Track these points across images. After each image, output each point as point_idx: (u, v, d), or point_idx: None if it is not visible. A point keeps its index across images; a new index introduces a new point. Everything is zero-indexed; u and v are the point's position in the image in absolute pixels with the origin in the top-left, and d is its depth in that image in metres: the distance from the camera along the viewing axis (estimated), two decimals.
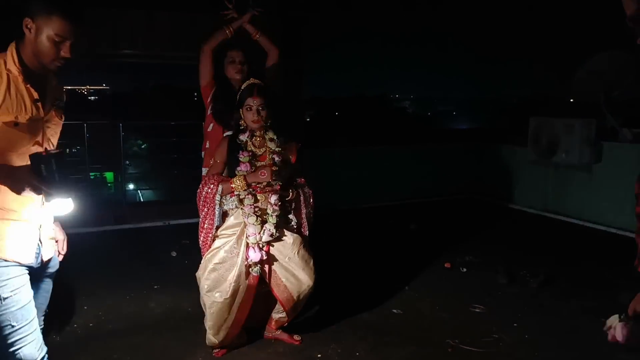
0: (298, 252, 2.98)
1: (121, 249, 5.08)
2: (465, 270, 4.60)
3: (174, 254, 4.91)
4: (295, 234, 3.01)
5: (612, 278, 4.34)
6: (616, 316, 1.90)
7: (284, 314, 3.12)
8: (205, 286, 2.89)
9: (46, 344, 2.02)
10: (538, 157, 6.60)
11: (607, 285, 4.18)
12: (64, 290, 3.97)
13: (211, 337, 3.01)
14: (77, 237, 5.39)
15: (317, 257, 4.76)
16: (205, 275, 2.89)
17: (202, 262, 2.95)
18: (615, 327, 1.87)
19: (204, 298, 2.94)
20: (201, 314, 3.39)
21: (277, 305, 3.12)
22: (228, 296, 2.86)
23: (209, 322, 2.97)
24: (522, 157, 6.94)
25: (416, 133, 7.83)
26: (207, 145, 3.47)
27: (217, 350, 3.09)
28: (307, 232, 3.13)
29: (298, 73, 5.23)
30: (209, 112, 3.40)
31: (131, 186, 23.61)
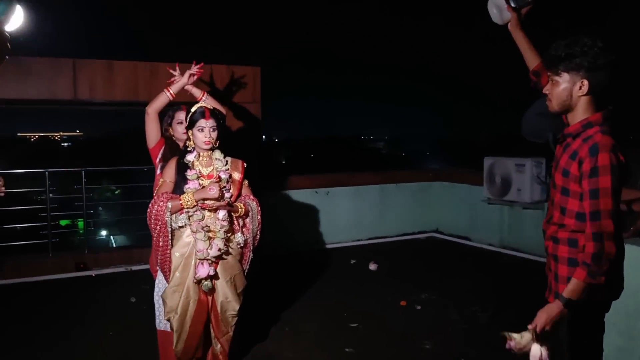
0: (232, 279, 3.09)
1: (80, 296, 5.07)
2: (419, 307, 4.71)
3: (132, 299, 4.93)
4: (236, 261, 3.11)
5: None
6: (527, 335, 2.04)
7: (219, 345, 3.19)
8: (167, 306, 3.02)
9: None
10: (493, 195, 6.82)
11: None
12: (19, 341, 3.99)
13: (176, 348, 3.09)
14: (36, 285, 5.46)
15: (273, 296, 4.86)
16: (168, 297, 3.01)
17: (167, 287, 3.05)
18: (541, 352, 2.01)
19: (166, 315, 3.06)
20: (156, 359, 3.45)
21: (213, 339, 3.19)
22: (180, 311, 2.98)
23: (174, 335, 3.06)
24: (479, 196, 7.14)
25: (383, 173, 7.97)
26: None
27: None
28: (252, 249, 3.22)
29: (255, 119, 5.41)
30: (158, 171, 3.43)
31: (103, 232, 23.39)
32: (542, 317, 2.02)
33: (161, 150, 3.47)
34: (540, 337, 2.01)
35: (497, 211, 7.06)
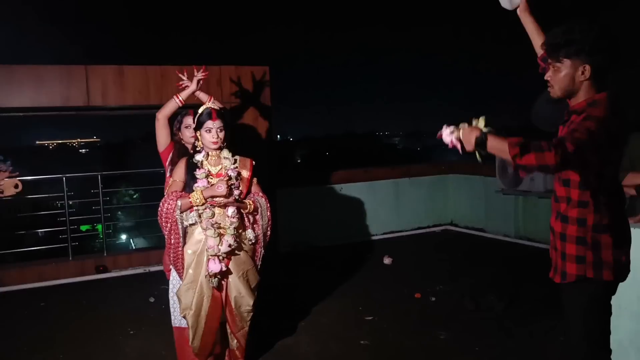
0: (245, 275, 3.15)
1: (100, 297, 5.18)
2: (434, 299, 4.73)
3: (151, 299, 5.02)
4: (248, 257, 3.18)
5: None
6: (466, 125, 2.04)
7: (235, 341, 3.27)
8: (182, 303, 3.10)
9: None
10: (506, 186, 6.80)
11: None
12: (43, 342, 4.10)
13: (192, 344, 3.16)
14: (58, 288, 5.59)
15: (290, 291, 4.93)
16: (182, 294, 3.09)
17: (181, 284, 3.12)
18: (451, 132, 2.06)
19: (181, 312, 3.14)
20: (174, 357, 3.53)
21: (230, 335, 3.26)
22: (194, 308, 3.06)
23: (190, 331, 3.14)
24: (493, 187, 7.12)
25: (397, 167, 7.98)
26: None
27: None
28: (263, 245, 3.29)
29: (266, 118, 5.46)
30: (168, 174, 3.51)
31: (123, 236, 23.65)
32: (466, 137, 2.00)
33: (170, 154, 3.55)
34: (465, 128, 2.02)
35: (512, 202, 7.03)
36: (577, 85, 2.09)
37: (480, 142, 1.93)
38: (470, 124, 2.02)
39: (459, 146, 2.02)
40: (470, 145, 1.97)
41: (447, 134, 2.05)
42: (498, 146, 1.88)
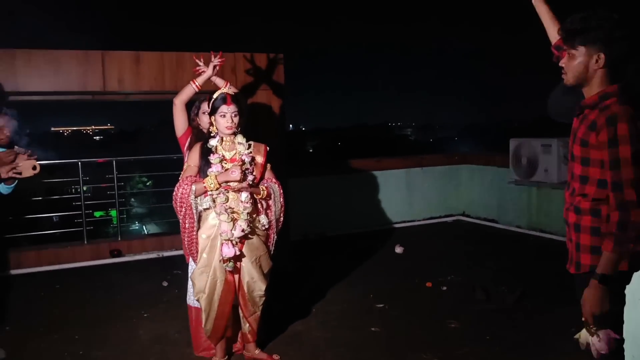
0: (258, 260, 3.19)
1: (115, 280, 5.24)
2: (445, 288, 4.74)
3: (165, 284, 5.08)
4: (261, 242, 3.22)
5: None
6: (584, 331, 2.05)
7: (247, 325, 3.32)
8: (196, 286, 3.15)
9: None
10: (520, 177, 6.78)
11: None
12: (59, 323, 4.17)
13: (205, 327, 3.22)
14: (74, 271, 5.67)
15: (302, 278, 4.97)
16: (196, 278, 3.14)
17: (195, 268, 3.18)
18: (594, 343, 2.02)
19: (195, 295, 3.19)
20: (187, 340, 3.58)
21: (242, 319, 3.30)
22: (207, 291, 3.11)
23: (202, 314, 3.19)
24: (506, 178, 7.10)
25: (409, 157, 7.97)
26: None
27: None
28: (275, 232, 3.32)
29: (280, 106, 5.48)
30: (186, 159, 3.56)
31: (136, 223, 23.84)
32: (585, 305, 2.02)
33: (188, 140, 3.57)
34: (593, 326, 2.00)
35: (525, 193, 7.00)
36: (591, 73, 2.07)
37: (607, 281, 1.98)
38: (592, 333, 2.03)
39: (611, 336, 2.02)
40: (604, 304, 2.00)
41: (600, 345, 2.01)
42: (610, 262, 1.97)
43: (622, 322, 2.19)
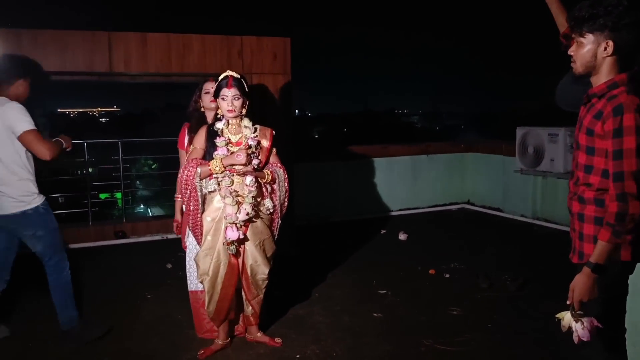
0: (262, 244, 3.20)
1: (119, 261, 5.27)
2: (448, 276, 4.75)
3: (169, 266, 5.11)
4: (265, 226, 3.22)
5: None
6: (567, 314, 2.05)
7: (250, 307, 3.34)
8: (200, 268, 3.17)
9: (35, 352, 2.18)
10: (525, 166, 6.75)
11: None
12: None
13: (208, 309, 3.25)
14: (78, 251, 5.70)
15: (305, 263, 4.98)
16: (200, 260, 3.16)
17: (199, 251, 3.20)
18: (577, 329, 2.01)
19: (199, 277, 3.21)
20: (190, 321, 3.61)
21: (245, 301, 3.32)
22: (211, 274, 3.13)
23: (206, 296, 3.22)
24: (512, 167, 7.07)
25: (415, 145, 7.95)
26: None
27: (201, 352, 3.28)
28: (280, 216, 3.33)
29: (286, 91, 5.46)
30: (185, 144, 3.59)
31: (141, 206, 23.89)
32: (574, 291, 2.03)
33: (186, 133, 3.60)
34: (578, 312, 2.00)
35: (530, 182, 6.98)
36: (599, 61, 2.05)
37: (600, 270, 1.98)
38: (577, 319, 2.02)
39: (594, 324, 2.00)
40: (593, 292, 2.01)
41: (583, 332, 1.99)
42: (605, 252, 1.97)
43: (625, 312, 2.20)
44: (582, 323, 1.99)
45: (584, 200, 2.12)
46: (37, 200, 3.37)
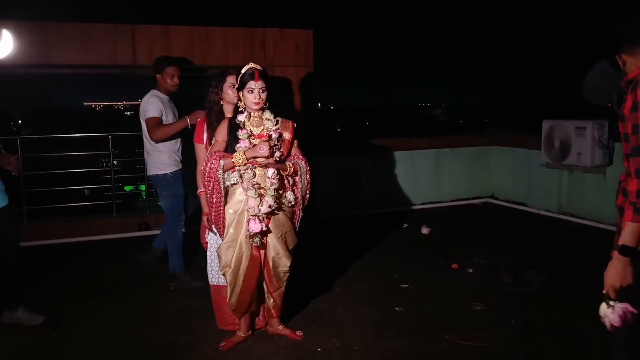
0: (283, 236, 3.20)
1: (142, 253, 5.32)
2: (471, 271, 4.69)
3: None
4: (287, 219, 3.22)
5: None
6: (603, 304, 2.00)
7: (272, 300, 3.35)
8: (222, 260, 3.18)
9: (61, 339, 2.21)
10: (551, 159, 6.62)
11: None
12: (88, 293, 4.27)
13: (230, 301, 3.26)
14: (103, 243, 5.79)
15: (327, 256, 4.96)
16: (223, 252, 3.17)
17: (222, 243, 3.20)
18: (608, 316, 1.96)
19: (221, 270, 3.23)
20: (212, 313, 3.62)
21: (266, 294, 3.32)
22: (233, 266, 3.14)
23: (228, 288, 3.23)
24: (537, 161, 6.95)
25: (439, 138, 7.87)
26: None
27: (222, 344, 3.30)
28: (301, 208, 3.32)
29: (309, 83, 5.43)
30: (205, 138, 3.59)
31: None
32: (607, 277, 1.97)
33: (205, 128, 3.60)
34: (612, 299, 1.95)
35: (556, 176, 6.84)
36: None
37: (627, 252, 1.92)
38: (608, 305, 1.97)
39: (628, 309, 1.94)
40: (626, 278, 1.94)
41: (613, 317, 1.95)
42: (632, 233, 1.90)
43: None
44: (613, 308, 1.93)
45: (626, 193, 2.06)
46: None
